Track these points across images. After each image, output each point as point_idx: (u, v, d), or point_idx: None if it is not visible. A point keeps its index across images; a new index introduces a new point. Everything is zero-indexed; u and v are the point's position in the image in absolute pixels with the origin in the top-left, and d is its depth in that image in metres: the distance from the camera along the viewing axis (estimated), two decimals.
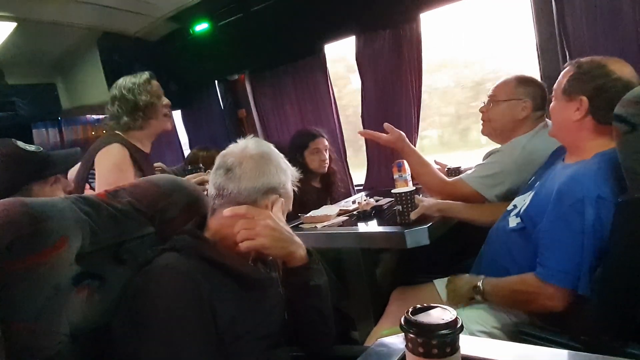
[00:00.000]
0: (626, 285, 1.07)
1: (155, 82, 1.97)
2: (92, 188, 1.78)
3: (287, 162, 1.11)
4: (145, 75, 1.95)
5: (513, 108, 1.67)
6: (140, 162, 1.90)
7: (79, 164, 1.87)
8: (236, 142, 1.08)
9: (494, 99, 1.72)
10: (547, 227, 1.19)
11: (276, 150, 1.09)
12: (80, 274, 0.85)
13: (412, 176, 2.14)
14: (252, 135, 1.10)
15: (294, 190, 1.11)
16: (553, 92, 1.34)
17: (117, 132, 1.91)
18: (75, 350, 0.83)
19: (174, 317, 0.84)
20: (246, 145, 1.06)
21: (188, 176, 1.90)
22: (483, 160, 1.78)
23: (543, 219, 1.22)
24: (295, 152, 2.49)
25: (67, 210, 0.87)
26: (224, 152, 1.07)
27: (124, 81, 1.93)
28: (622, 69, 1.20)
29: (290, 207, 1.13)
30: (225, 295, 0.94)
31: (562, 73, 1.31)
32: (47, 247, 0.79)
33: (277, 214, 1.03)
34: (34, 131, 3.41)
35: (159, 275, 0.89)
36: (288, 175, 1.09)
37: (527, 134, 1.65)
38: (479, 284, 1.33)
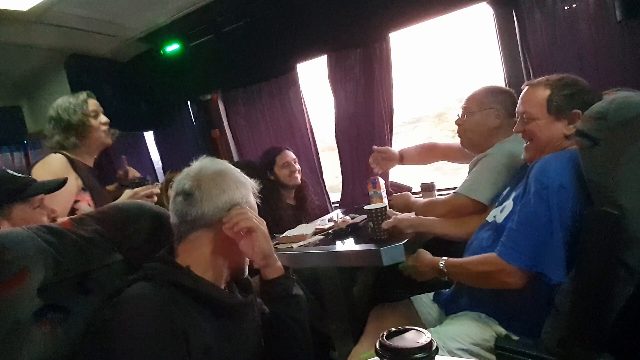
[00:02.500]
0: (595, 296, 1.09)
1: (92, 101, 2.04)
2: None
3: (245, 175, 1.10)
4: (83, 95, 2.02)
5: (486, 117, 1.71)
6: (82, 173, 1.94)
7: None
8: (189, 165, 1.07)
9: (467, 110, 1.75)
10: (515, 212, 1.28)
11: (231, 166, 1.09)
12: (43, 307, 0.82)
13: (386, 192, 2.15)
14: (204, 156, 1.09)
15: (269, 209, 1.10)
16: (527, 114, 1.37)
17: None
18: None
19: (145, 352, 0.80)
20: (201, 166, 1.05)
21: (136, 189, 1.86)
22: (469, 168, 1.78)
23: None
24: (265, 171, 2.50)
25: (28, 241, 0.84)
26: (179, 177, 1.05)
27: (62, 101, 2.01)
28: None
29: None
30: (199, 324, 0.91)
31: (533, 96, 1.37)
32: (6, 280, 0.75)
33: None
34: None
35: (130, 306, 0.85)
36: (248, 187, 1.08)
37: (509, 139, 1.66)
38: (441, 265, 1.40)
